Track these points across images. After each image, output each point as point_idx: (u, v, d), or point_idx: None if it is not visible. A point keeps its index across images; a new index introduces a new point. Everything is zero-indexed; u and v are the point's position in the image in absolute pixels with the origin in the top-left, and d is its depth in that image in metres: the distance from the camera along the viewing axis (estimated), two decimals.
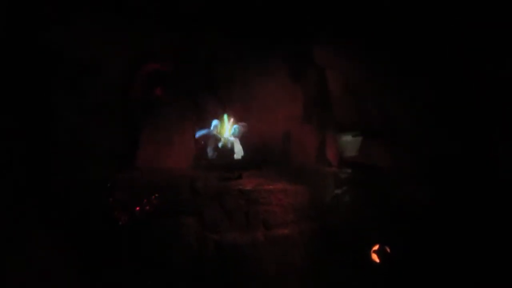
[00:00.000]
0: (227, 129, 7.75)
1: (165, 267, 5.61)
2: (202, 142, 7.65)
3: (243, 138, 7.74)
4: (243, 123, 7.79)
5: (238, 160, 7.40)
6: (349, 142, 7.38)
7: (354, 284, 5.88)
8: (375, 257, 6.11)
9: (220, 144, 7.50)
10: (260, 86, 7.88)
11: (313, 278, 5.89)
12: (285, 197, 6.03)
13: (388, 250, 6.13)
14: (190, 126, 7.53)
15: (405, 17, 6.80)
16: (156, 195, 5.80)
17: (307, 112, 7.91)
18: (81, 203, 5.87)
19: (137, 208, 5.72)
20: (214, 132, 7.59)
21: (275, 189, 6.03)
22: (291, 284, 5.85)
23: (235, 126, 7.69)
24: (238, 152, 7.55)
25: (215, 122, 7.72)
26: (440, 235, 6.10)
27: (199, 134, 7.61)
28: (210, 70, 7.89)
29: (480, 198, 6.23)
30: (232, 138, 7.62)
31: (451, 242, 6.05)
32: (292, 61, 7.94)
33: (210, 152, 7.55)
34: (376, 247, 6.11)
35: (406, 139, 7.04)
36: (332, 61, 7.53)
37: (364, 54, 7.24)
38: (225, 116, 7.79)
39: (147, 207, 5.78)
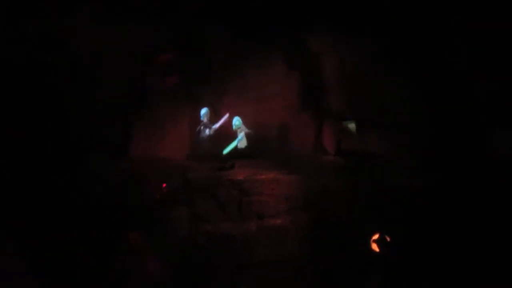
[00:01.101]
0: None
1: (159, 256, 5.57)
2: (198, 131, 7.53)
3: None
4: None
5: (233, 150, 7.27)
6: (346, 130, 7.28)
7: (349, 274, 5.80)
8: (374, 247, 6.01)
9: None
10: (256, 76, 7.77)
11: (307, 267, 5.81)
12: (278, 187, 5.94)
13: (388, 239, 6.03)
14: (184, 117, 7.44)
15: (400, 6, 6.73)
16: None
17: (304, 101, 7.79)
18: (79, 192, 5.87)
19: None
20: (205, 120, 7.43)
21: (267, 179, 5.93)
22: (285, 273, 5.75)
23: (236, 117, 7.48)
24: (243, 142, 7.39)
25: (203, 110, 7.54)
26: (437, 223, 6.02)
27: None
28: (204, 60, 7.77)
29: (475, 184, 6.16)
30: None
31: (448, 230, 5.97)
32: (287, 50, 7.79)
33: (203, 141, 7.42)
34: (376, 236, 6.00)
35: (402, 127, 6.94)
36: (328, 49, 7.38)
37: (360, 42, 7.13)
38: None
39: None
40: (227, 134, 7.32)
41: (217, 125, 7.26)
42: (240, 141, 7.25)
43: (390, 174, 6.53)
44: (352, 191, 6.35)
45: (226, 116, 7.31)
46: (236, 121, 7.26)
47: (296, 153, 7.32)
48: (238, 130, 7.24)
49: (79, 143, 6.51)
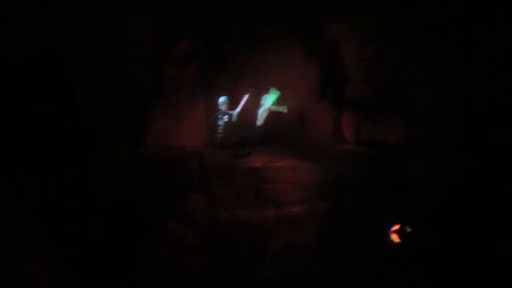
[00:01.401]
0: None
1: (176, 243, 5.56)
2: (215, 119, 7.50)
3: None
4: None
5: (251, 137, 7.20)
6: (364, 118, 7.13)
7: (366, 264, 5.69)
8: (395, 237, 5.89)
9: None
10: (274, 63, 7.65)
11: (324, 256, 5.72)
12: (295, 174, 5.84)
13: (409, 230, 5.89)
14: (201, 104, 7.38)
15: None
16: None
17: (322, 89, 7.65)
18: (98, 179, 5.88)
19: None
20: (223, 108, 7.41)
21: (285, 166, 5.85)
22: (301, 262, 5.68)
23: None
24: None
25: (222, 99, 7.50)
26: (460, 214, 5.85)
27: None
28: (222, 47, 7.69)
29: (501, 174, 5.96)
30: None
31: (471, 221, 5.80)
32: (306, 37, 7.65)
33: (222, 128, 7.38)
34: (396, 227, 5.88)
35: (424, 115, 6.76)
36: (346, 35, 7.21)
37: (379, 27, 6.95)
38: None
39: None
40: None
41: (238, 108, 7.25)
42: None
43: (411, 163, 6.37)
44: (371, 181, 6.20)
45: (246, 96, 7.27)
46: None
47: (314, 141, 7.23)
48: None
49: (97, 131, 6.54)
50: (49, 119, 6.29)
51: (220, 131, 7.26)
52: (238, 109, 7.31)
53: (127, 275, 5.24)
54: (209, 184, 5.74)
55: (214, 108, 7.45)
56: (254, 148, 6.46)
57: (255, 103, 7.48)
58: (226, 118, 7.19)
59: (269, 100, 7.36)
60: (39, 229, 5.12)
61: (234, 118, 7.26)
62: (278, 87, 7.58)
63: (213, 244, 5.57)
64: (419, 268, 5.59)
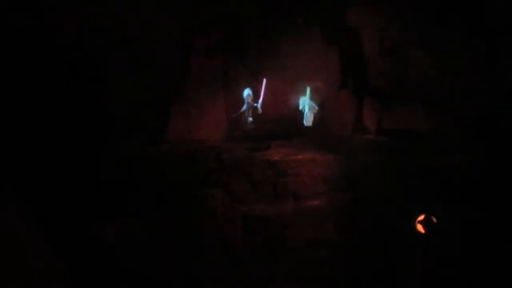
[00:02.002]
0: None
1: (195, 236, 5.57)
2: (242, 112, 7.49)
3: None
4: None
5: (269, 130, 7.15)
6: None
7: (389, 258, 5.57)
8: (420, 228, 5.72)
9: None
10: (293, 53, 7.54)
11: (346, 250, 5.62)
12: (315, 167, 5.72)
13: (434, 220, 5.72)
14: (221, 98, 7.36)
15: None
16: None
17: (343, 78, 7.50)
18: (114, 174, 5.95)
19: None
20: (249, 100, 7.40)
21: (304, 159, 5.73)
22: (322, 256, 5.59)
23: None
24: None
25: (246, 91, 7.48)
26: (486, 204, 5.64)
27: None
28: (241, 40, 7.62)
29: None
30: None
31: (496, 212, 5.59)
32: (326, 25, 7.50)
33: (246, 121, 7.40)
34: (421, 217, 5.71)
35: (447, 103, 6.53)
36: (367, 21, 7.02)
37: (401, 11, 6.72)
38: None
39: None
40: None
41: (261, 99, 7.25)
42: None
43: (435, 153, 6.17)
44: (394, 171, 6.04)
45: (264, 81, 7.24)
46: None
47: (335, 132, 7.11)
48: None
49: (120, 125, 6.63)
50: (74, 114, 6.44)
51: (246, 123, 7.28)
52: (260, 99, 7.29)
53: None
54: (227, 179, 5.69)
55: (235, 102, 7.46)
56: (273, 141, 6.36)
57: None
58: (249, 109, 7.22)
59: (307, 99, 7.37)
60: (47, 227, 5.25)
61: (259, 109, 7.27)
62: (299, 79, 7.51)
63: (232, 239, 5.54)
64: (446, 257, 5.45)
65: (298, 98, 7.39)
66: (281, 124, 7.29)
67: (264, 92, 7.34)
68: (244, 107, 7.33)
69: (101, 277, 4.95)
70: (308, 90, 7.34)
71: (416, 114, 6.71)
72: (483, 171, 5.81)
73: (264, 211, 5.61)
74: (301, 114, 7.34)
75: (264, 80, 7.31)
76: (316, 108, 7.35)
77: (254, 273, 5.40)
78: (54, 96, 6.29)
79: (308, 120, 7.30)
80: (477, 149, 6.06)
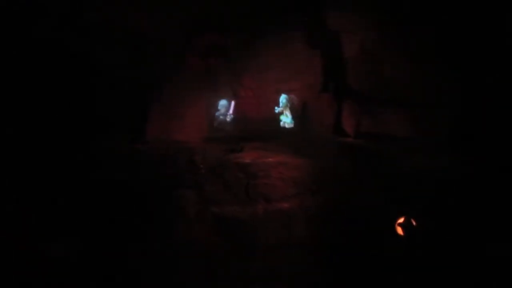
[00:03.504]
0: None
1: (168, 238, 5.63)
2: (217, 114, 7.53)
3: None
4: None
5: (249, 132, 7.17)
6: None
7: (360, 260, 5.58)
8: (399, 230, 5.74)
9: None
10: (276, 56, 7.53)
11: (316, 252, 5.64)
12: (286, 170, 5.73)
13: (414, 223, 5.73)
14: (201, 99, 7.37)
15: None
16: None
17: (325, 81, 7.48)
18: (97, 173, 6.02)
19: None
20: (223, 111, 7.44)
21: (275, 162, 5.73)
22: (292, 257, 5.62)
23: (284, 96, 7.44)
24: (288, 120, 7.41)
25: (222, 102, 7.54)
26: (462, 208, 5.63)
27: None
28: (223, 40, 7.63)
29: (504, 169, 5.69)
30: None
31: (473, 216, 5.58)
32: (307, 28, 7.48)
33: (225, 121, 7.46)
34: (401, 220, 5.72)
35: (426, 108, 6.51)
36: (347, 25, 6.97)
37: (381, 17, 6.69)
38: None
39: None
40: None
41: (230, 111, 7.40)
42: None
43: (412, 156, 6.15)
44: (368, 174, 6.05)
45: (233, 103, 7.44)
46: (283, 99, 7.28)
47: (314, 134, 7.09)
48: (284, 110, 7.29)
49: (98, 125, 6.69)
50: (54, 112, 6.52)
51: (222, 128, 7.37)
52: (231, 111, 7.38)
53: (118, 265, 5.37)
54: (200, 180, 5.74)
55: (216, 104, 7.51)
56: (249, 143, 6.39)
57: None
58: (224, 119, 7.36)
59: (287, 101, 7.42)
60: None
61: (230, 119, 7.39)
62: (280, 81, 7.53)
63: (203, 239, 5.59)
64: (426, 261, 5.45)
65: (278, 100, 7.40)
66: (261, 125, 7.30)
67: (234, 109, 7.48)
68: (222, 108, 7.40)
69: None
70: (285, 95, 7.36)
71: (394, 117, 6.68)
72: (460, 174, 5.80)
73: (236, 213, 5.65)
74: (280, 116, 7.34)
75: (233, 103, 7.48)
76: (296, 110, 7.34)
77: (225, 274, 5.43)
78: (30, 93, 6.35)
79: (287, 122, 7.29)
80: (454, 153, 6.05)
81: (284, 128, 7.30)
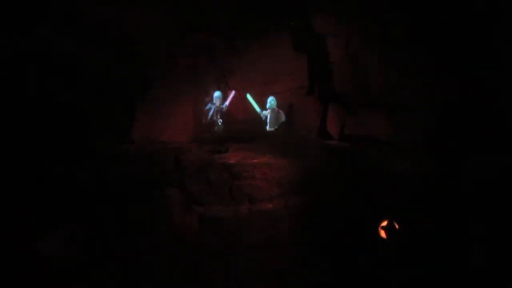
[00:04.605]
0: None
1: (151, 235, 5.64)
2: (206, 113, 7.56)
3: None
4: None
5: (234, 132, 7.22)
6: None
7: (343, 259, 5.65)
8: (382, 233, 5.81)
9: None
10: (262, 58, 7.62)
11: (299, 251, 5.70)
12: (270, 171, 5.75)
13: (397, 226, 5.81)
14: (189, 99, 7.41)
15: None
16: None
17: (310, 84, 7.59)
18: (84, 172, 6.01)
19: None
20: (217, 103, 7.47)
21: (259, 163, 5.75)
22: (276, 256, 5.66)
23: (271, 98, 7.50)
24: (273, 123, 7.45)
25: (217, 93, 7.57)
26: (443, 211, 5.74)
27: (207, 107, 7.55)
28: (210, 41, 7.68)
29: (485, 172, 5.81)
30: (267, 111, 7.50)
31: (455, 218, 5.69)
32: (294, 31, 7.59)
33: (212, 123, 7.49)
34: (384, 223, 5.79)
35: (409, 111, 6.60)
36: (333, 29, 7.09)
37: (365, 22, 6.79)
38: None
39: None
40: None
41: (227, 103, 7.37)
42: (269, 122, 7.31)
43: (395, 159, 6.24)
44: (351, 177, 6.11)
45: (233, 93, 7.29)
46: (272, 100, 7.33)
47: (299, 136, 7.17)
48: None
49: (85, 125, 6.68)
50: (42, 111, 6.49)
51: (215, 125, 7.39)
52: (227, 103, 7.39)
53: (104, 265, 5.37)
54: (185, 180, 5.76)
55: (202, 104, 7.53)
56: (234, 144, 6.43)
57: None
58: (217, 112, 7.31)
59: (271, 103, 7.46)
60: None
61: (224, 112, 7.36)
62: (267, 82, 7.60)
63: (187, 238, 5.61)
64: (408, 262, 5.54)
65: (265, 102, 7.47)
66: (246, 126, 7.36)
67: (231, 100, 7.44)
68: (212, 109, 7.41)
69: None
70: (272, 97, 7.40)
71: (377, 120, 6.76)
72: (443, 177, 5.90)
73: (220, 212, 5.67)
74: (265, 117, 7.42)
75: (233, 92, 7.43)
76: (281, 113, 7.43)
77: (209, 272, 5.46)
78: (18, 93, 6.33)
79: (271, 124, 7.35)
80: (434, 155, 6.15)
81: (267, 129, 7.35)
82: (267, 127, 7.37)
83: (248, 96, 7.53)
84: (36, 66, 6.66)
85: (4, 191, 5.56)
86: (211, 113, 7.43)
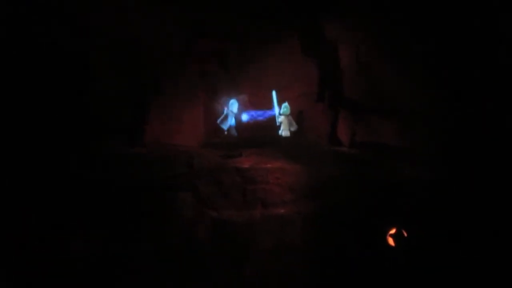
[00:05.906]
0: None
1: (163, 239, 5.62)
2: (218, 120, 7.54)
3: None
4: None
5: (246, 138, 7.22)
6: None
7: (354, 265, 5.64)
8: (390, 241, 5.80)
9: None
10: (273, 64, 7.64)
11: (311, 257, 5.68)
12: (283, 176, 5.76)
13: (405, 234, 5.81)
14: (200, 104, 7.41)
15: None
16: None
17: (321, 91, 7.60)
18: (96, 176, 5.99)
19: None
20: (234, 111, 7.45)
21: (273, 168, 5.77)
22: (288, 262, 5.65)
23: (285, 104, 7.44)
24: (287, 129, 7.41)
25: (232, 100, 7.56)
26: (453, 219, 5.74)
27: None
28: (222, 47, 7.71)
29: (493, 180, 5.83)
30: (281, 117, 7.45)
31: (464, 226, 5.69)
32: (306, 38, 7.60)
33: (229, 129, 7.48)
34: (392, 231, 5.79)
35: (420, 119, 6.62)
36: (343, 35, 7.11)
37: (377, 28, 6.83)
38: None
39: None
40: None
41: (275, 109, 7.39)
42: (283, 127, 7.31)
43: (405, 166, 6.26)
44: (362, 183, 6.11)
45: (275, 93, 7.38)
46: (285, 107, 7.28)
47: (310, 143, 7.18)
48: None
49: (97, 128, 6.68)
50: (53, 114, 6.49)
51: (229, 130, 7.37)
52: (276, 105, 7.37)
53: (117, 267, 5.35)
54: (198, 183, 5.75)
55: (213, 110, 7.54)
56: (247, 149, 6.44)
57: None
58: (233, 119, 7.33)
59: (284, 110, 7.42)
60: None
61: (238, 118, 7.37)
62: (278, 88, 7.60)
63: (199, 242, 5.59)
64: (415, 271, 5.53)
65: (277, 108, 7.47)
66: (258, 132, 7.36)
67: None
68: (226, 114, 7.42)
69: None
70: (286, 104, 7.40)
71: (388, 127, 6.78)
72: (452, 185, 5.91)
73: (233, 217, 5.66)
74: (277, 124, 7.42)
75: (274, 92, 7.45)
76: (292, 120, 7.40)
77: (221, 276, 5.45)
78: (29, 94, 6.33)
79: (284, 130, 7.35)
80: (447, 165, 6.15)
81: (281, 136, 7.34)
82: (281, 132, 7.33)
83: (274, 94, 7.46)
84: (49, 67, 6.67)
85: (32, 195, 5.55)
86: (229, 119, 7.39)
